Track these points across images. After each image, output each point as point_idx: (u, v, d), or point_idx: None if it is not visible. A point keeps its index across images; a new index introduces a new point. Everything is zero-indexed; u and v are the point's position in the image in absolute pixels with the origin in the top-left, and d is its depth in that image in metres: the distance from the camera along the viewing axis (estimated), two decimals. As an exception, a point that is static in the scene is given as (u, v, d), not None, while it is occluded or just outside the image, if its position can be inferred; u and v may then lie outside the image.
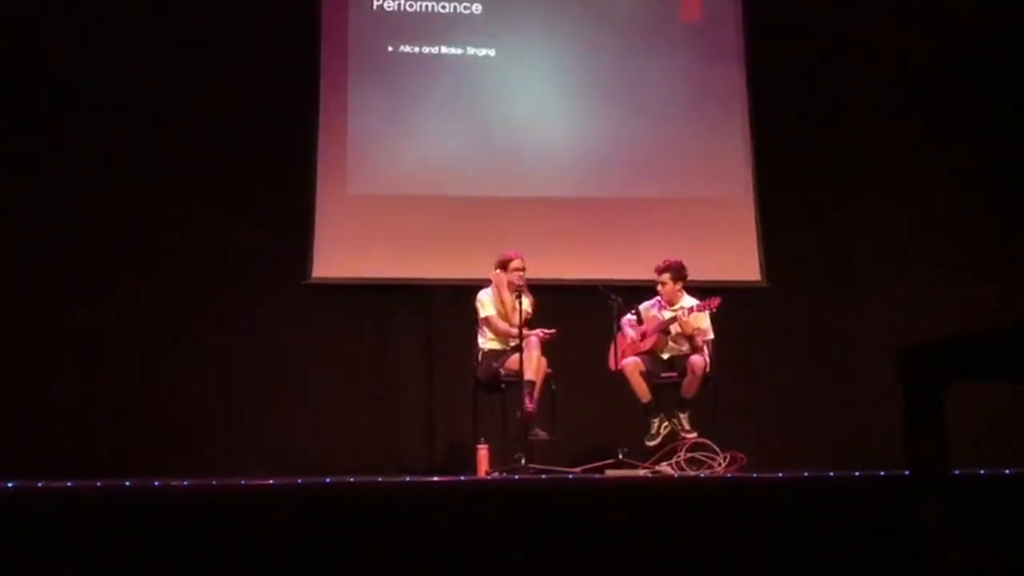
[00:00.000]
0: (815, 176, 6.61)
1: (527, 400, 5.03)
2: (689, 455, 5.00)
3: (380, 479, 4.71)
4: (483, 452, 5.10)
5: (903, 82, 6.71)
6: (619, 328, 5.45)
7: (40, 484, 3.53)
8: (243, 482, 4.08)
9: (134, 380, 5.83)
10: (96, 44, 6.13)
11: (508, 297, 5.33)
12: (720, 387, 5.33)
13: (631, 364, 5.29)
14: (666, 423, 5.24)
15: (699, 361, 5.21)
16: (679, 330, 5.35)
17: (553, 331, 5.27)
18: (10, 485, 3.38)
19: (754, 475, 4.60)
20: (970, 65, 6.69)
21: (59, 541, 2.32)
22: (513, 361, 5.21)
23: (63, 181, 5.97)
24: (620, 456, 5.09)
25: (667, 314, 5.43)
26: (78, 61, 6.10)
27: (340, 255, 6.21)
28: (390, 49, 6.49)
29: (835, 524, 2.46)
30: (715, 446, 4.99)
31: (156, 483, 3.70)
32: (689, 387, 5.22)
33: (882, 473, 3.81)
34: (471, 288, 5.59)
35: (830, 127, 6.66)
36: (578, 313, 5.82)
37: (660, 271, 5.45)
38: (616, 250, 6.28)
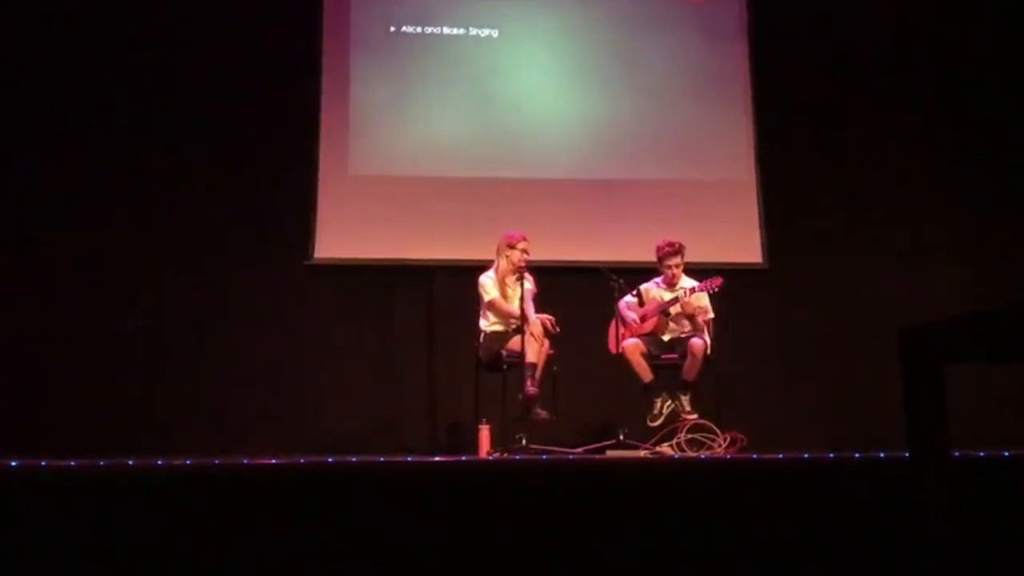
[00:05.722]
0: (818, 158, 6.60)
1: (529, 382, 5.04)
2: (689, 436, 5.01)
3: (382, 459, 4.72)
4: (484, 432, 5.12)
5: (907, 65, 6.69)
6: (619, 310, 5.45)
7: (44, 463, 3.54)
8: (245, 461, 4.09)
9: (135, 361, 5.84)
10: (97, 26, 6.12)
11: (510, 278, 5.34)
12: (721, 369, 5.34)
13: (631, 345, 5.29)
14: (669, 402, 5.25)
15: (700, 344, 5.21)
16: (680, 310, 5.35)
17: (558, 328, 5.25)
18: (13, 464, 3.39)
19: (754, 456, 4.61)
20: (972, 49, 6.68)
21: (61, 520, 2.33)
22: (515, 343, 5.22)
23: (62, 162, 5.98)
24: (621, 437, 5.11)
25: (668, 295, 5.43)
26: (82, 44, 6.10)
27: (342, 236, 6.21)
28: (392, 30, 6.46)
29: (835, 505, 2.47)
30: (715, 427, 5.00)
31: (159, 462, 3.71)
32: (690, 370, 5.22)
33: (882, 455, 3.83)
34: (473, 269, 5.58)
35: (833, 110, 6.64)
36: (580, 295, 5.83)
37: (671, 254, 5.41)
38: (618, 231, 6.28)
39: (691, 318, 5.30)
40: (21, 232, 5.88)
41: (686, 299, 5.29)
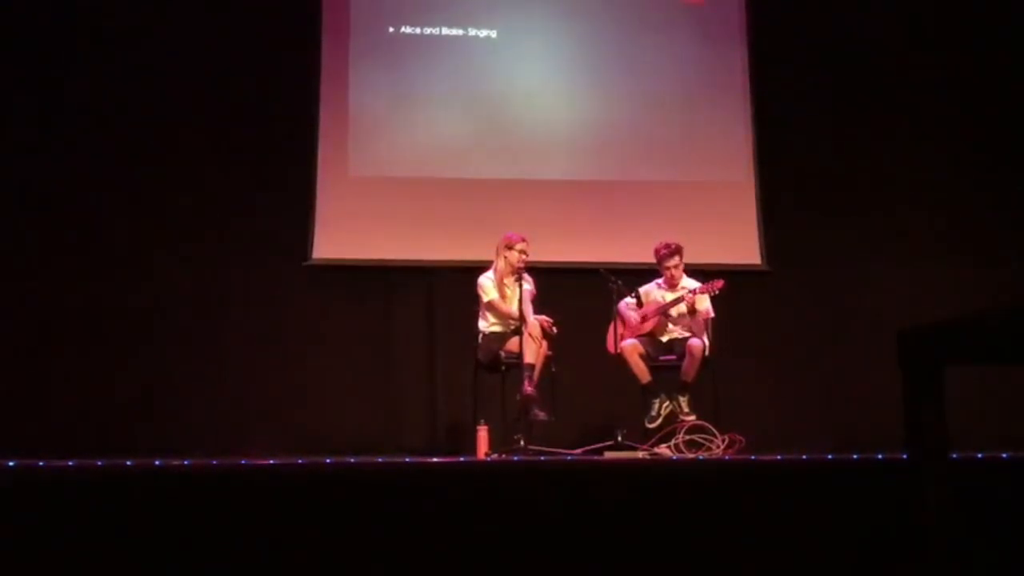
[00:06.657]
0: (816, 160, 6.60)
1: (527, 383, 5.03)
2: (688, 437, 5.00)
3: (380, 459, 4.73)
4: (483, 433, 5.11)
5: (906, 65, 6.69)
6: (618, 311, 5.45)
7: (41, 464, 3.54)
8: (243, 462, 4.09)
9: (136, 360, 5.83)
10: (97, 26, 6.12)
11: (508, 279, 5.34)
12: (719, 370, 5.34)
13: (630, 346, 5.29)
14: (667, 403, 5.25)
15: (698, 345, 5.22)
16: (681, 310, 5.35)
17: (555, 329, 5.25)
18: (11, 464, 3.39)
19: (752, 457, 4.61)
20: (971, 49, 6.67)
21: (59, 520, 2.32)
22: (514, 343, 5.21)
23: (62, 164, 5.97)
24: (619, 438, 5.09)
25: (669, 296, 5.43)
26: (82, 44, 6.10)
27: (341, 236, 6.20)
28: (391, 30, 6.46)
29: (834, 507, 2.47)
30: (714, 428, 5.00)
31: (157, 463, 3.70)
32: (688, 371, 5.22)
33: (880, 456, 3.83)
34: (472, 270, 5.58)
35: (832, 111, 6.65)
36: (578, 296, 5.83)
37: (668, 255, 5.42)
38: (617, 233, 6.27)
39: (693, 313, 5.29)
40: (20, 232, 5.87)
41: (691, 299, 5.28)
